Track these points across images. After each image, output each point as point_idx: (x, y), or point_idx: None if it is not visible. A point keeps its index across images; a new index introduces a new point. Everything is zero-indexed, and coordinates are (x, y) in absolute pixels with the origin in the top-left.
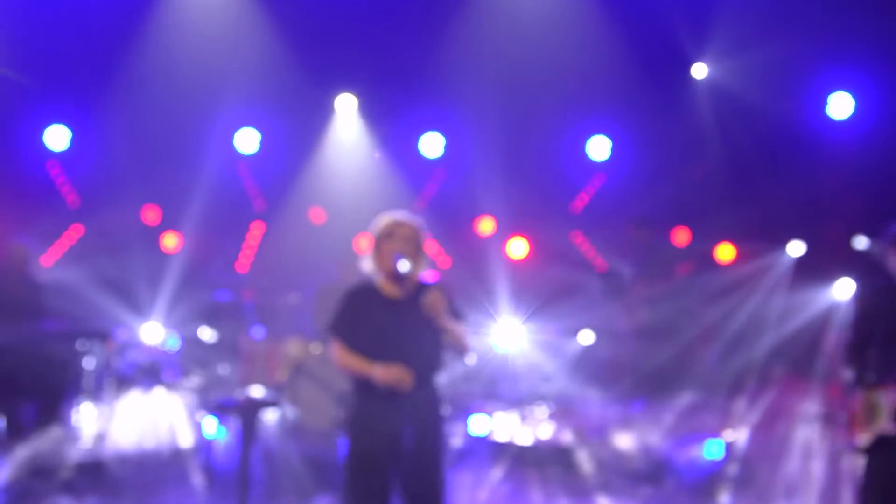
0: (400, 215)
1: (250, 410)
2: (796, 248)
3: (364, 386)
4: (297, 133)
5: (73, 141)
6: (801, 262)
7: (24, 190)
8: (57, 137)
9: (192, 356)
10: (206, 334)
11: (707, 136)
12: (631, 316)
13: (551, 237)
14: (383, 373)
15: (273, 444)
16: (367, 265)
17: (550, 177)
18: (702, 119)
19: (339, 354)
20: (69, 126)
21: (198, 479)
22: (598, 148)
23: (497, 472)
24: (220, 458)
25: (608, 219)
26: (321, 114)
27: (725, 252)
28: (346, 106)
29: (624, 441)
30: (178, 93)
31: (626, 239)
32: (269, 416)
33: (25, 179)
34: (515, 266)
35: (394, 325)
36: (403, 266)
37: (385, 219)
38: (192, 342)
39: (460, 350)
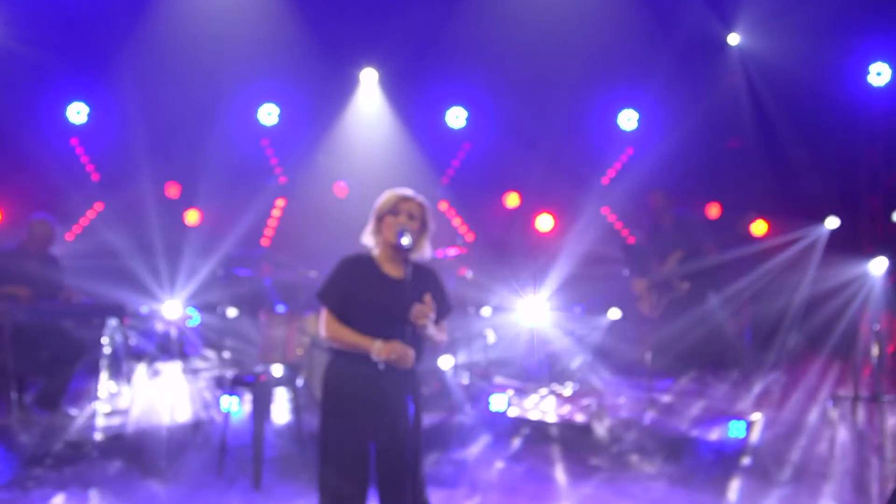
0: (406, 191)
1: (264, 387)
2: (832, 223)
3: (347, 357)
4: (319, 107)
5: (92, 117)
6: (835, 238)
7: (46, 166)
8: (77, 113)
9: (212, 332)
10: (226, 310)
11: (740, 108)
12: (655, 292)
13: (578, 211)
14: (386, 349)
15: (288, 420)
16: (368, 240)
17: (578, 150)
18: (735, 90)
19: (327, 323)
20: (88, 102)
21: (213, 455)
22: (628, 120)
23: (515, 449)
24: (235, 433)
25: (637, 192)
26: (342, 88)
27: (758, 227)
28: (367, 79)
29: (646, 420)
30: (198, 68)
31: (648, 210)
32: (285, 393)
33: (46, 155)
34: (541, 241)
35: (388, 303)
36: (406, 240)
37: (390, 194)
38: (211, 318)
39: (435, 348)
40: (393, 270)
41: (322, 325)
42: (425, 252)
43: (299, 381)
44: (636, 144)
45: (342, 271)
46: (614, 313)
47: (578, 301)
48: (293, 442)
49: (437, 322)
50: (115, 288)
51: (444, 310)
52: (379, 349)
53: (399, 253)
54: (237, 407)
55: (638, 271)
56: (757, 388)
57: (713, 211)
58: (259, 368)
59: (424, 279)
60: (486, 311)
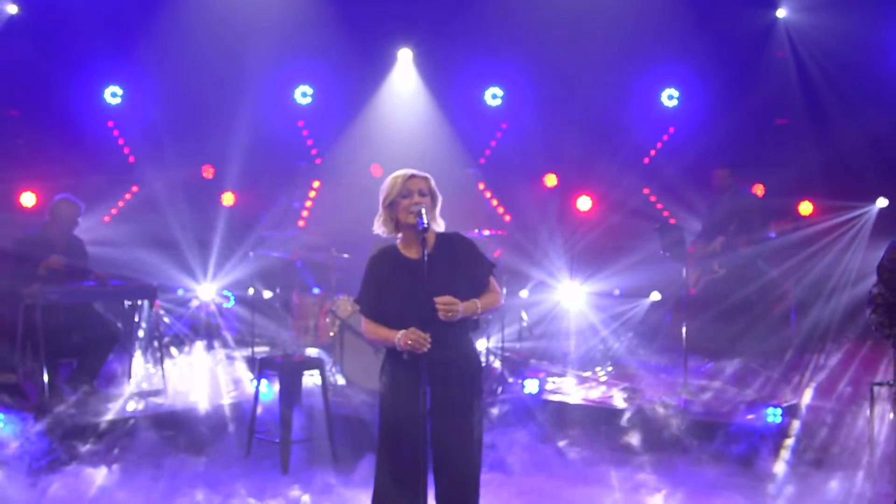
0: (409, 171)
1: (292, 370)
2: (881, 203)
3: (392, 354)
4: (354, 87)
5: (127, 99)
6: (885, 219)
7: (83, 149)
8: (112, 95)
9: (247, 313)
10: (260, 292)
11: (787, 86)
12: (693, 275)
13: (618, 192)
14: (402, 338)
15: (318, 403)
16: (380, 229)
17: (617, 129)
18: (781, 67)
19: (364, 325)
20: (123, 85)
21: (242, 437)
22: (669, 98)
23: (547, 433)
24: (265, 416)
25: (678, 172)
26: (377, 68)
27: (805, 208)
28: (403, 59)
29: (681, 404)
30: (233, 48)
31: (711, 185)
32: (315, 375)
33: (83, 138)
34: (579, 223)
35: (415, 287)
36: (425, 219)
37: (395, 177)
38: (246, 300)
39: (492, 312)
40: (416, 253)
41: (364, 329)
42: (441, 224)
43: (329, 364)
44: (677, 123)
45: (368, 272)
46: (654, 296)
47: (617, 283)
48: (322, 425)
49: (483, 283)
50: (150, 270)
51: (483, 272)
52: (398, 339)
53: (420, 233)
54: (267, 389)
55: (674, 253)
56: (796, 372)
57: (758, 191)
58: (290, 350)
59: (455, 249)
60: (523, 293)
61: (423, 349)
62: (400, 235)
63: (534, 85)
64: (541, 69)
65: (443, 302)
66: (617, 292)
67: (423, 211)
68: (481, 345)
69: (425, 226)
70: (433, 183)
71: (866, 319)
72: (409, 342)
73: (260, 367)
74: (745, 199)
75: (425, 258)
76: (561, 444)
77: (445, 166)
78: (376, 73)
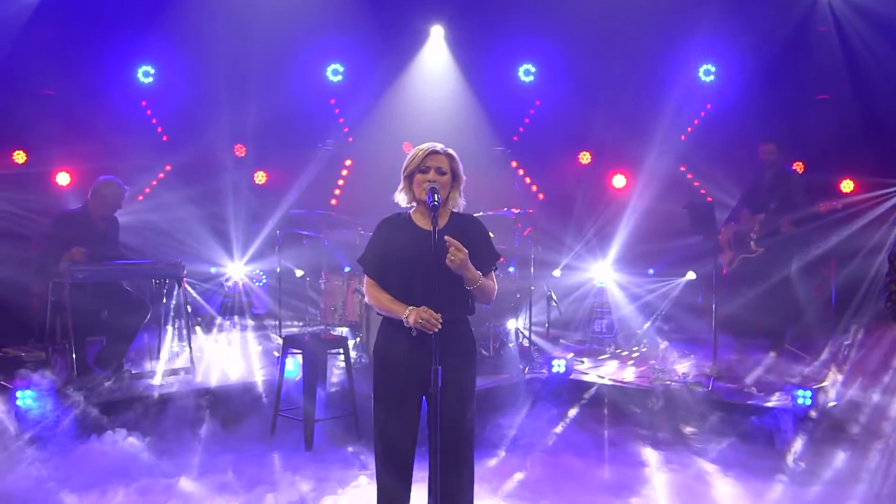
0: (433, 146)
1: (316, 348)
2: None
3: (391, 323)
4: (385, 65)
5: (160, 78)
6: None
7: (116, 128)
8: (145, 75)
9: (278, 292)
10: (292, 271)
11: (829, 61)
12: (732, 247)
13: (654, 169)
14: (413, 315)
15: (344, 381)
16: (400, 199)
17: (653, 105)
18: (823, 41)
19: (367, 287)
20: (155, 64)
21: (268, 415)
22: (707, 74)
23: (574, 413)
24: (290, 394)
25: (716, 149)
26: (409, 45)
27: (846, 186)
28: (435, 36)
29: (709, 385)
30: (265, 26)
31: (757, 159)
32: (340, 354)
33: (116, 117)
34: (613, 201)
35: (425, 257)
36: (435, 197)
37: (417, 150)
38: (276, 278)
39: (483, 300)
40: (427, 224)
41: (365, 289)
42: (459, 203)
43: (353, 343)
44: (715, 99)
45: (377, 233)
46: (690, 275)
47: (652, 262)
48: (346, 404)
49: (483, 272)
50: (182, 249)
51: (487, 259)
52: (407, 316)
53: (429, 210)
54: (293, 367)
55: (703, 231)
56: (828, 354)
57: (798, 169)
58: (318, 329)
59: (465, 229)
60: (556, 272)
61: (433, 329)
62: (415, 205)
63: (567, 61)
64: (574, 45)
65: (455, 245)
66: (651, 271)
67: (436, 189)
68: (511, 323)
69: (434, 203)
70: (457, 162)
71: None
72: (421, 320)
73: (285, 346)
74: (790, 176)
75: (435, 233)
76: (587, 423)
77: (476, 144)
78: (408, 50)
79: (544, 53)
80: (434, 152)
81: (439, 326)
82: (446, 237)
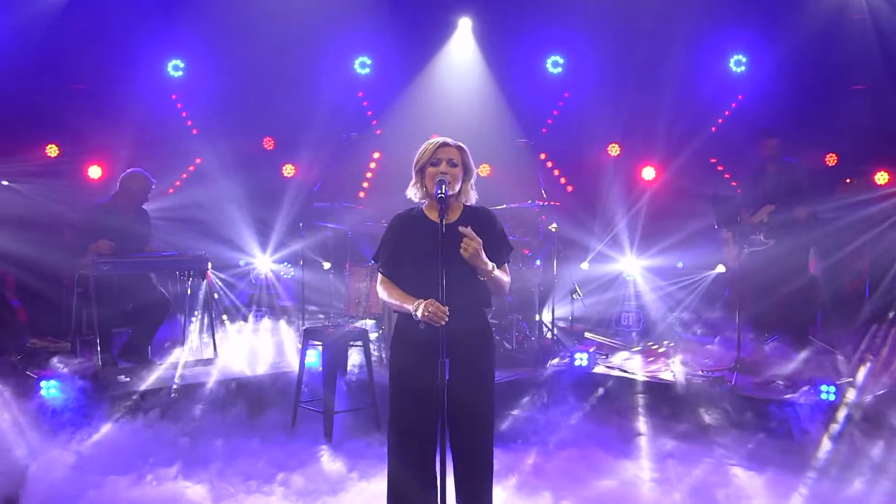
0: (444, 139)
1: (336, 341)
2: None
3: (404, 321)
4: (413, 57)
5: (189, 72)
6: None
7: (147, 121)
8: (174, 68)
9: (304, 284)
10: (320, 264)
11: (864, 50)
12: (739, 242)
13: (684, 162)
14: (421, 308)
15: (364, 373)
16: (413, 193)
17: (683, 97)
18: (858, 30)
19: (380, 285)
20: (184, 58)
21: (290, 406)
22: (737, 64)
23: (595, 407)
24: (312, 386)
25: (747, 141)
26: (436, 38)
27: (880, 178)
28: (463, 28)
29: (733, 379)
30: (293, 20)
31: (758, 154)
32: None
33: (147, 111)
34: (642, 193)
35: (434, 249)
36: (443, 189)
37: (427, 144)
38: (305, 270)
39: (497, 293)
40: (439, 218)
41: (378, 285)
42: (471, 195)
43: (376, 335)
44: (746, 90)
45: (389, 229)
46: (720, 268)
47: (681, 256)
48: (366, 396)
49: (497, 264)
50: (211, 241)
51: (500, 252)
52: (415, 309)
53: (438, 202)
54: (315, 359)
55: (725, 223)
56: (858, 349)
57: (830, 160)
58: (342, 321)
59: (478, 222)
60: (583, 265)
61: (441, 322)
62: (427, 200)
63: (596, 52)
64: (603, 36)
65: (469, 234)
66: (680, 265)
67: (445, 181)
68: (534, 317)
69: (441, 196)
70: (468, 154)
71: None
72: (428, 313)
73: (305, 338)
74: (794, 168)
75: (442, 226)
76: (608, 416)
77: (502, 137)
78: (436, 42)
79: (573, 45)
80: (445, 145)
81: (446, 319)
82: (460, 227)
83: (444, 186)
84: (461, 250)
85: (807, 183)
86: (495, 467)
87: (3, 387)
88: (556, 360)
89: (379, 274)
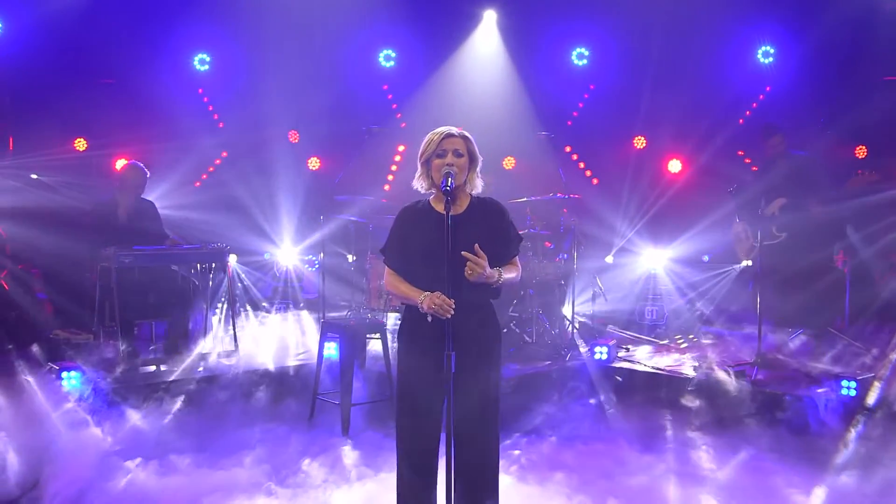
0: (448, 129)
1: (354, 333)
2: None
3: (410, 313)
4: (437, 50)
5: (214, 66)
6: None
7: (174, 115)
8: (200, 62)
9: (325, 278)
10: (344, 256)
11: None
12: (744, 245)
13: (709, 154)
14: (427, 301)
15: (381, 366)
16: (419, 185)
17: (710, 89)
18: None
19: (387, 278)
20: (210, 52)
21: (308, 398)
22: (765, 56)
23: (613, 400)
24: (332, 379)
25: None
26: (461, 29)
27: None
28: (488, 20)
29: (753, 374)
30: (316, 13)
31: (763, 149)
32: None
33: (173, 105)
34: (668, 186)
35: (441, 242)
36: (449, 181)
37: (432, 135)
38: (329, 263)
39: (509, 288)
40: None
41: (385, 278)
42: (478, 184)
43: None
44: (774, 82)
45: (396, 222)
46: (746, 263)
47: (707, 249)
48: (384, 388)
49: (508, 257)
50: (236, 234)
51: (508, 244)
52: (421, 301)
53: (444, 194)
54: (334, 352)
55: (746, 216)
56: (876, 345)
57: (860, 153)
58: (364, 314)
59: (486, 213)
60: (608, 258)
61: (446, 315)
62: (434, 192)
63: (621, 44)
64: (628, 28)
65: (473, 260)
66: (706, 258)
67: (451, 174)
68: (555, 310)
69: (447, 188)
70: (473, 144)
71: None
72: (434, 306)
73: (323, 330)
74: (802, 160)
75: (448, 218)
76: (626, 410)
77: (525, 130)
78: (460, 35)
79: (598, 37)
80: (450, 135)
81: (452, 312)
82: (464, 253)
83: (450, 179)
84: (465, 274)
85: (817, 174)
86: (512, 459)
87: (25, 377)
88: (576, 354)
89: (386, 267)
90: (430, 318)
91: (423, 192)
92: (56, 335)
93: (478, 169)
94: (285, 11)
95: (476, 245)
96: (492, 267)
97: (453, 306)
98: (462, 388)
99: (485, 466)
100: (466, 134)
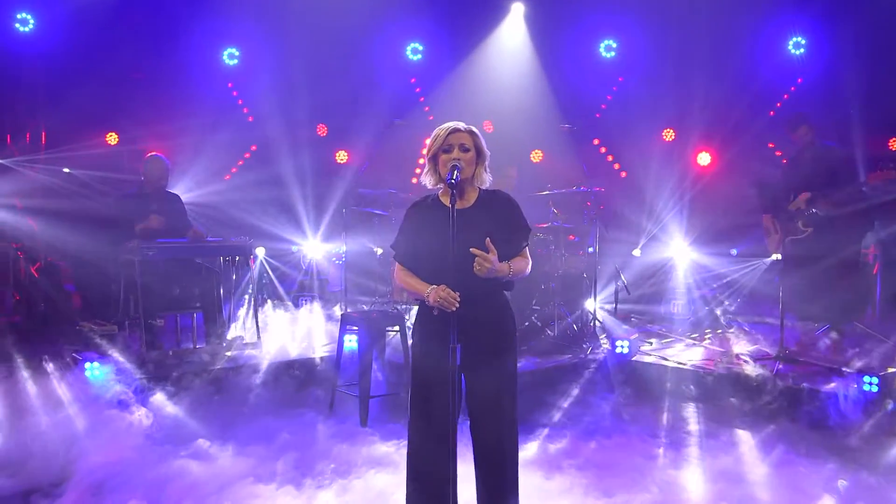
0: (455, 124)
1: (372, 325)
2: None
3: (423, 307)
4: (464, 43)
5: (243, 60)
6: None
7: (204, 109)
8: (229, 57)
9: (347, 271)
10: (367, 249)
11: None
12: (779, 229)
13: (739, 146)
14: (433, 295)
15: (401, 357)
16: (427, 181)
17: (740, 80)
18: None
19: (396, 273)
20: (239, 46)
21: (328, 390)
22: (796, 47)
23: (631, 395)
24: (352, 370)
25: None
26: (489, 22)
27: None
28: (515, 13)
29: (775, 369)
30: (347, 7)
31: (791, 140)
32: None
33: (203, 99)
34: (696, 179)
35: (445, 234)
36: (454, 175)
37: (439, 130)
38: (350, 256)
39: (519, 279)
40: (457, 204)
41: (395, 273)
42: (486, 178)
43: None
44: (805, 73)
45: (406, 218)
46: (775, 256)
47: (735, 243)
48: (404, 380)
49: (518, 248)
50: (264, 226)
51: (518, 236)
52: (427, 295)
53: (450, 187)
54: (355, 344)
55: (771, 208)
56: None
57: (894, 144)
58: (387, 306)
59: (495, 206)
60: (635, 251)
61: (451, 308)
62: (441, 187)
63: (650, 36)
64: (657, 19)
65: (481, 255)
66: (734, 252)
67: (458, 167)
68: (577, 304)
69: (452, 181)
70: (480, 138)
71: None
72: (439, 300)
73: (342, 323)
74: (830, 152)
75: (453, 210)
76: (645, 404)
77: (552, 123)
78: (488, 27)
79: (626, 28)
80: (456, 130)
81: (457, 305)
82: (472, 249)
83: (455, 172)
84: (475, 269)
85: (841, 167)
86: (531, 452)
87: (52, 367)
88: (597, 347)
89: (396, 262)
90: (435, 312)
91: (430, 187)
92: (82, 327)
93: (486, 164)
94: (313, 5)
95: (487, 239)
96: (502, 259)
97: (458, 299)
98: (477, 381)
99: (503, 457)
100: (473, 129)
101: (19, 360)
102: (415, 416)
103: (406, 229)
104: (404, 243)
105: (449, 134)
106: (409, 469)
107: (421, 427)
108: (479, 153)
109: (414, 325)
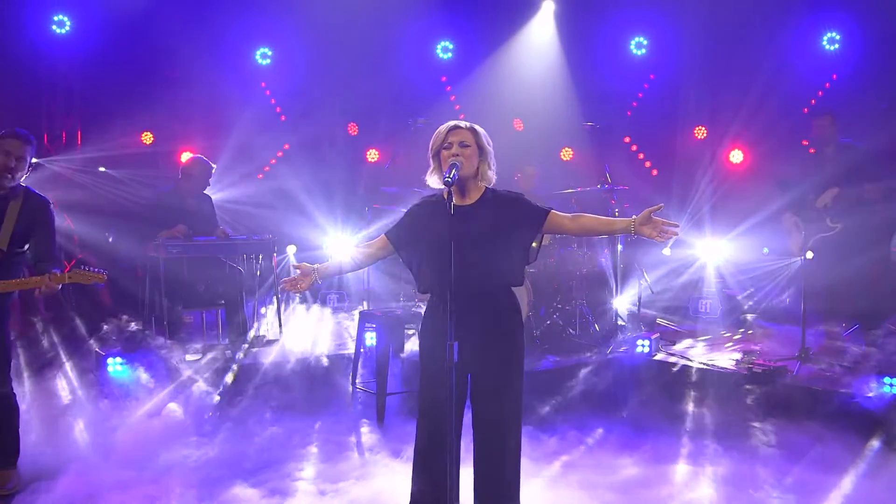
0: (455, 122)
1: (390, 324)
2: None
3: (432, 300)
4: (494, 41)
5: (275, 60)
6: None
7: (236, 108)
8: (262, 56)
9: (379, 268)
10: None
11: None
12: (804, 228)
13: (772, 144)
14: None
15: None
16: (432, 180)
17: (773, 77)
18: None
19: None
20: (271, 46)
21: (345, 388)
22: (830, 43)
23: (648, 394)
24: (371, 367)
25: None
26: (519, 20)
27: None
28: (545, 10)
29: (795, 369)
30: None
31: (812, 137)
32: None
33: (236, 98)
34: (728, 177)
35: (459, 235)
36: (452, 172)
37: (441, 130)
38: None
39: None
40: (461, 201)
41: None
42: (490, 176)
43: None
44: (840, 70)
45: (408, 211)
46: (809, 255)
47: (767, 241)
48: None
49: (526, 241)
50: (296, 225)
51: (529, 218)
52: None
53: (447, 185)
54: (374, 342)
55: (793, 206)
56: None
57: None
58: (409, 305)
59: (500, 204)
60: (665, 250)
61: (294, 290)
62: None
63: (681, 33)
64: (688, 16)
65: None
66: (766, 250)
67: (456, 165)
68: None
69: (448, 180)
70: (482, 136)
71: None
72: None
73: (361, 321)
74: (851, 149)
75: (451, 206)
76: (662, 404)
77: (580, 121)
78: (518, 25)
79: (657, 25)
80: (456, 128)
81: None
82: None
83: (454, 171)
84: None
85: (866, 161)
86: (541, 452)
87: (74, 363)
88: (618, 347)
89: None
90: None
91: (434, 187)
92: (109, 322)
93: (489, 161)
94: (344, 4)
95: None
96: (507, 253)
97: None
98: (480, 377)
99: (502, 457)
100: (476, 127)
101: (49, 356)
102: (421, 413)
103: (404, 220)
104: (395, 230)
105: (449, 131)
106: (415, 464)
107: (425, 423)
108: (481, 151)
109: (422, 321)
